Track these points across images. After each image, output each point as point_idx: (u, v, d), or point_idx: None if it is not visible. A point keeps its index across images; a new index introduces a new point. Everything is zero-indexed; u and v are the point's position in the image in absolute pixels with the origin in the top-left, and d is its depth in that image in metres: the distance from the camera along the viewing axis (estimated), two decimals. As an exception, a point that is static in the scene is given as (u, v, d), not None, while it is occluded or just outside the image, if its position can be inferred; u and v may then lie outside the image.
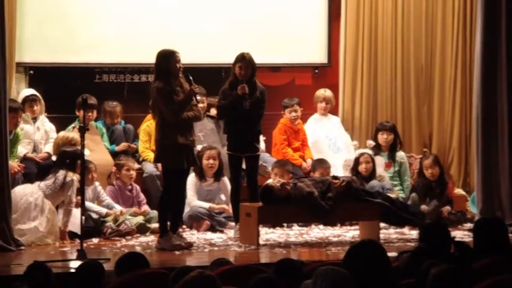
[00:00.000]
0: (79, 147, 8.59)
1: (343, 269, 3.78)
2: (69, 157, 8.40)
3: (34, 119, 9.14)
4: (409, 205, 9.08)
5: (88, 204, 8.42)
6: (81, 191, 7.54)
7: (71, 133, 9.00)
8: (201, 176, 9.13)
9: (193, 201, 9.03)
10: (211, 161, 9.11)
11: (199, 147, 9.25)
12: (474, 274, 4.49)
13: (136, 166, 9.31)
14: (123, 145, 9.51)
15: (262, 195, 8.19)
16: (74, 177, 8.26)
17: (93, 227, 8.45)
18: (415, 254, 4.74)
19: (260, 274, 4.33)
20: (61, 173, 8.29)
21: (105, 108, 9.67)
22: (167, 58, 7.82)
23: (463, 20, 10.64)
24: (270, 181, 8.66)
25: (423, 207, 9.37)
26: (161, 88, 7.75)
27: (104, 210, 8.69)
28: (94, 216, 8.59)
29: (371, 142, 10.11)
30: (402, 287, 4.18)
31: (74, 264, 6.71)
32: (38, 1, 9.77)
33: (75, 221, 8.05)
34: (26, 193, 8.14)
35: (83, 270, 4.99)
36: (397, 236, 8.54)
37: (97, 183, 8.90)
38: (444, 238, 5.00)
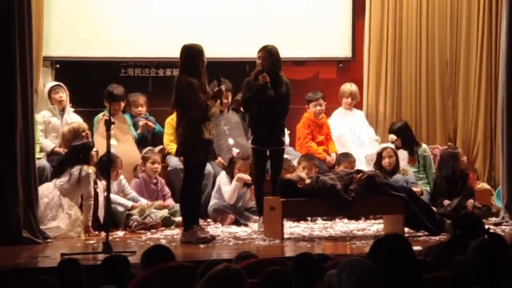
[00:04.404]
0: (88, 133, 8.69)
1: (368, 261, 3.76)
2: (81, 151, 8.37)
3: (62, 112, 9.20)
4: (435, 212, 8.71)
5: (113, 196, 8.46)
6: (107, 185, 7.56)
7: (75, 122, 8.96)
8: (231, 178, 9.07)
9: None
10: (241, 173, 9.01)
11: (230, 141, 9.29)
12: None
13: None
14: (141, 124, 9.49)
15: (280, 188, 8.16)
16: (89, 170, 8.23)
17: (115, 221, 8.47)
18: (449, 243, 4.73)
19: (273, 267, 4.30)
20: (76, 169, 8.22)
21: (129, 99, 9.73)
22: (197, 54, 7.81)
23: (489, 15, 10.57)
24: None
25: (446, 201, 9.35)
26: (190, 83, 7.72)
27: (129, 203, 8.73)
28: (120, 208, 8.63)
29: (393, 136, 10.08)
30: (428, 281, 4.17)
31: (100, 257, 6.74)
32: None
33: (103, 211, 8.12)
34: (42, 196, 8.05)
35: (109, 264, 5.01)
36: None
37: (121, 177, 8.94)
38: (477, 228, 4.99)
